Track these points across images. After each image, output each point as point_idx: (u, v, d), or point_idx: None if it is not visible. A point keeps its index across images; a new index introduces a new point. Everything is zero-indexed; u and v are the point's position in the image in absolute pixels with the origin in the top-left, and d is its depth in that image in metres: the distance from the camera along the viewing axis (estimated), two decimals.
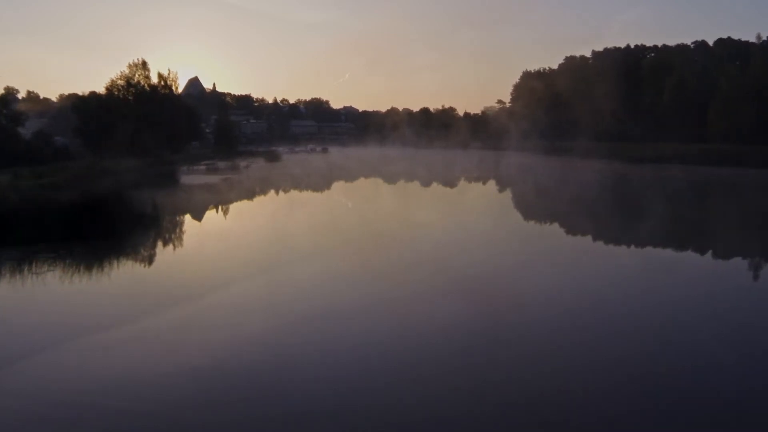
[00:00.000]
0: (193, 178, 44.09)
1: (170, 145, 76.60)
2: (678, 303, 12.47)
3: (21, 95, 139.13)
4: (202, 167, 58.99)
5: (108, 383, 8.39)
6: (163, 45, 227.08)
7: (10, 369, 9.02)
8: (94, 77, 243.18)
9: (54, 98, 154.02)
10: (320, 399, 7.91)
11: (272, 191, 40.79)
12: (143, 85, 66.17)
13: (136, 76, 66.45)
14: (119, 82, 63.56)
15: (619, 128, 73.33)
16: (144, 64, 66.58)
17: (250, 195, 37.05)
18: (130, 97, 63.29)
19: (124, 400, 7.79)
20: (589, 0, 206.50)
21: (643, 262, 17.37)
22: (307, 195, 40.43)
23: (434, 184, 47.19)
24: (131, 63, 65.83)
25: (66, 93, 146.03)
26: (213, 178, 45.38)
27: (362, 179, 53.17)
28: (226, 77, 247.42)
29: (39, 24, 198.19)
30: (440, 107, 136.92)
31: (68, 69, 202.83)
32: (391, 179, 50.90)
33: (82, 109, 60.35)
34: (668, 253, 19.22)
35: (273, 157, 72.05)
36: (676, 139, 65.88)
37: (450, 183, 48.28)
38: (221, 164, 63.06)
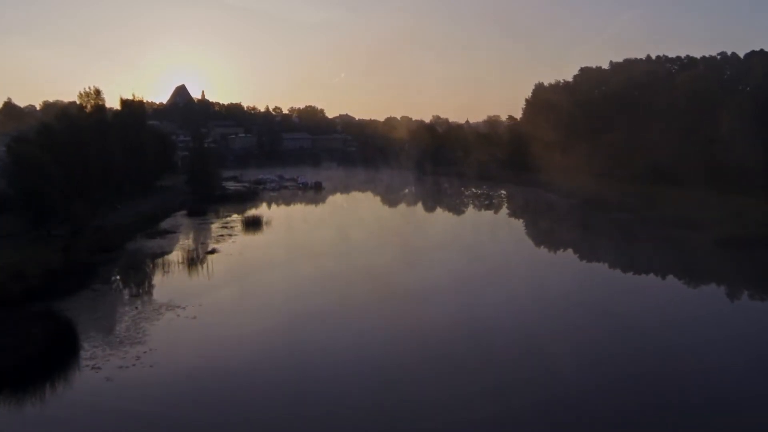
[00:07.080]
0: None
1: (139, 182, 64.16)
2: None
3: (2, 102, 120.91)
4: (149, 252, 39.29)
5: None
6: (157, 47, 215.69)
7: None
8: (88, 79, 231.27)
9: (37, 105, 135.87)
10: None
11: None
12: (95, 119, 53.58)
13: (88, 106, 54.06)
14: (64, 118, 50.99)
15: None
16: (98, 92, 54.14)
17: None
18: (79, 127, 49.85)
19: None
20: (584, 9, 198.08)
21: None
22: None
23: None
24: (81, 92, 53.47)
25: (51, 100, 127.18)
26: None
27: None
28: (219, 81, 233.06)
29: (37, 24, 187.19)
30: (440, 117, 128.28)
31: (66, 71, 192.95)
32: None
33: (15, 152, 46.70)
34: None
35: (253, 224, 50.77)
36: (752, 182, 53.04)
37: None
38: (173, 250, 39.86)
